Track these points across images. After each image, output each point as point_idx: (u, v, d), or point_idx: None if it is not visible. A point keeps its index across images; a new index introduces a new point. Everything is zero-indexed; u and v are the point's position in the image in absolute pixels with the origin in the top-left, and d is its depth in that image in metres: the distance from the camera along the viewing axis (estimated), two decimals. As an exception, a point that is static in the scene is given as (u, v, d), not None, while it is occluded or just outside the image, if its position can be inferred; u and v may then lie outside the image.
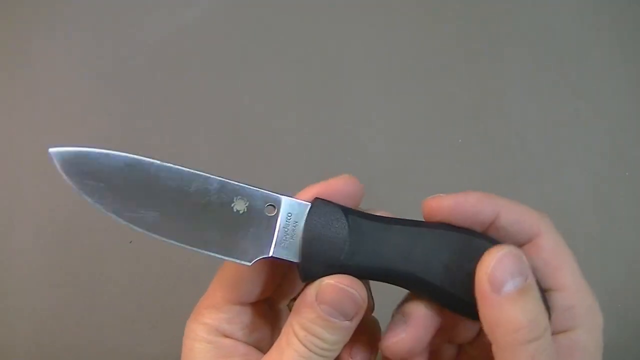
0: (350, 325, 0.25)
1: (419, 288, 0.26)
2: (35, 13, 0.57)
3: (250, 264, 0.26)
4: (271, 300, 0.31)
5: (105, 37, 0.56)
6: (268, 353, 0.26)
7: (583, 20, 0.58)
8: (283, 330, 0.26)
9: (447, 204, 0.26)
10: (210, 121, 0.53)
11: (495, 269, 0.23)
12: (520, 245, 0.26)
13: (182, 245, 0.26)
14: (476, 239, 0.26)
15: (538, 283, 0.25)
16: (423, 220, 0.27)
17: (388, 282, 0.27)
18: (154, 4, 0.57)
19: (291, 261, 0.26)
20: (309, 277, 0.26)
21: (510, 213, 0.26)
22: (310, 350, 0.25)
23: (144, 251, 0.48)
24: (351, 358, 0.29)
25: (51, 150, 0.26)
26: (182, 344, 0.28)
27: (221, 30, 0.57)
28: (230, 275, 0.28)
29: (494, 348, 0.23)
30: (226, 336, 0.28)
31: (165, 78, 0.54)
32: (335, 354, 0.26)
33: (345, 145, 0.52)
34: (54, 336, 0.46)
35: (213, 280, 0.29)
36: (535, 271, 0.25)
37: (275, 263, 0.28)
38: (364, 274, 0.26)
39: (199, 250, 0.26)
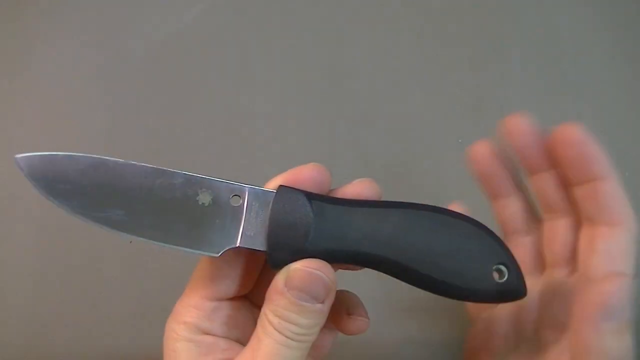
0: (323, 308, 0.26)
1: (387, 269, 0.26)
2: (36, 13, 0.57)
3: (218, 255, 0.26)
4: (252, 296, 0.31)
5: (105, 36, 0.56)
6: (247, 345, 0.26)
7: (583, 20, 0.58)
8: (258, 321, 0.26)
9: (579, 135, 0.26)
10: (210, 121, 0.53)
11: (613, 297, 0.23)
12: (597, 222, 0.26)
13: (149, 241, 0.27)
14: (442, 216, 0.26)
15: None
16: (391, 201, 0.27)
17: (358, 265, 0.27)
18: (154, 4, 0.57)
19: (259, 250, 0.26)
20: (277, 264, 0.26)
21: (611, 187, 0.26)
22: (287, 337, 0.25)
23: (144, 251, 0.48)
24: (349, 315, 0.30)
25: (17, 156, 0.27)
26: (163, 348, 0.29)
27: (221, 30, 0.57)
28: (206, 273, 0.29)
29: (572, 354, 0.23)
30: (206, 333, 0.28)
31: (166, 78, 0.54)
32: (313, 338, 0.26)
33: (345, 145, 0.52)
34: (53, 336, 0.46)
35: (190, 279, 0.29)
36: (590, 254, 0.25)
37: (250, 257, 0.29)
38: (332, 258, 0.26)
39: (166, 245, 0.27)
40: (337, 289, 0.27)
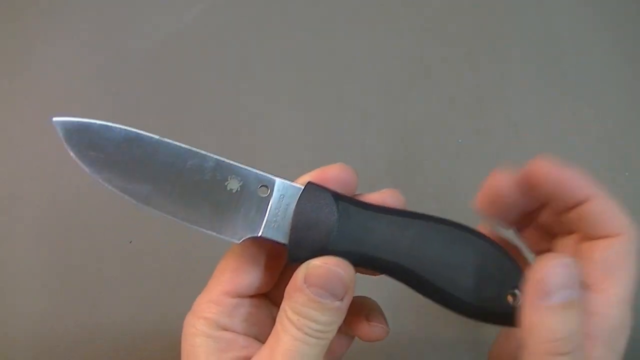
0: (342, 306, 0.26)
1: (404, 278, 0.26)
2: (36, 13, 0.57)
3: (239, 242, 0.27)
4: (272, 294, 0.31)
5: (105, 36, 0.56)
6: (266, 342, 0.26)
7: (583, 20, 0.58)
8: (277, 317, 0.26)
9: (552, 170, 0.26)
10: (210, 120, 0.53)
11: (547, 277, 0.23)
12: (594, 237, 0.26)
13: (172, 218, 0.27)
14: (463, 233, 0.26)
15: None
16: (416, 212, 0.27)
17: (375, 270, 0.27)
18: (154, 4, 0.57)
19: (279, 242, 0.26)
20: (296, 259, 0.26)
21: (600, 204, 0.26)
22: (306, 334, 0.25)
23: (144, 251, 0.48)
24: (368, 321, 0.30)
25: (55, 119, 0.27)
26: (181, 343, 0.29)
27: (221, 30, 0.57)
28: (228, 269, 0.29)
29: (525, 352, 0.23)
30: (226, 329, 0.28)
31: (166, 78, 0.54)
32: (331, 335, 0.26)
33: (344, 145, 0.52)
34: (53, 336, 0.46)
35: (212, 275, 0.29)
36: (590, 265, 0.25)
37: (272, 255, 0.29)
38: (350, 260, 0.26)
39: (189, 225, 0.27)
40: (357, 294, 0.27)
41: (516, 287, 0.26)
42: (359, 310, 0.30)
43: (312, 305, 0.25)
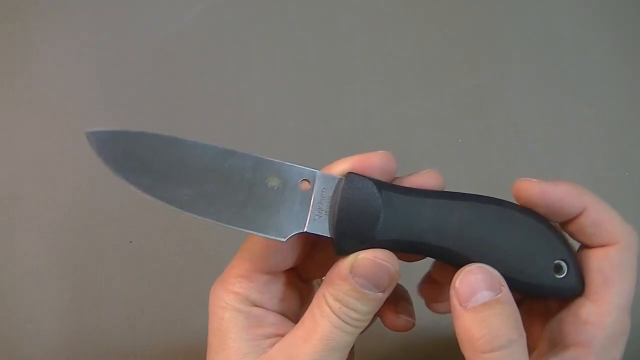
0: (383, 297, 0.26)
1: (450, 260, 0.26)
2: (35, 13, 0.57)
3: (285, 239, 0.26)
4: (300, 270, 0.31)
5: (105, 36, 0.56)
6: (300, 323, 0.26)
7: (583, 20, 0.57)
8: (314, 302, 0.26)
9: (535, 191, 0.26)
10: (210, 120, 0.53)
11: (461, 283, 0.24)
12: (592, 246, 0.26)
13: (216, 222, 0.26)
14: (507, 210, 0.26)
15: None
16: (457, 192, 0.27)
17: (422, 255, 0.27)
18: (154, 4, 0.57)
19: (325, 236, 0.26)
20: (343, 251, 0.26)
21: (595, 214, 0.26)
22: (344, 321, 0.25)
23: (144, 251, 0.48)
24: (397, 312, 0.30)
25: (88, 131, 0.26)
26: (207, 316, 0.28)
27: (221, 29, 0.57)
28: (259, 246, 0.28)
29: (465, 356, 0.24)
30: (256, 305, 0.28)
31: (165, 78, 0.54)
32: (366, 324, 0.26)
33: (345, 145, 0.52)
34: (53, 336, 0.46)
35: (240, 250, 0.29)
36: (587, 273, 0.26)
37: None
38: (398, 248, 0.26)
39: (233, 227, 0.26)
40: None
41: (562, 259, 0.26)
42: (390, 298, 0.30)
43: (355, 294, 0.25)
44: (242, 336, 0.27)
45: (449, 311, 0.30)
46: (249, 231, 0.26)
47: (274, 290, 0.29)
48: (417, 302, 0.32)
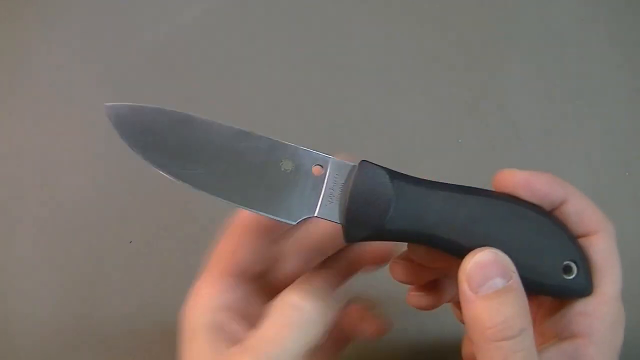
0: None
1: (459, 254, 0.26)
2: (35, 14, 0.57)
3: (295, 223, 0.26)
4: (268, 274, 0.31)
5: (105, 37, 0.56)
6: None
7: (583, 20, 0.57)
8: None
9: (519, 179, 0.26)
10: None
11: (473, 270, 0.24)
12: (576, 236, 0.26)
13: (227, 202, 0.26)
14: (518, 207, 0.26)
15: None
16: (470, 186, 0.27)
17: (429, 246, 0.27)
18: (154, 4, 0.57)
19: (334, 222, 0.26)
20: (352, 239, 0.26)
21: (577, 203, 0.26)
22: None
23: (144, 251, 0.48)
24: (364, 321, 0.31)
25: (106, 105, 0.26)
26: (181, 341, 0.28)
27: (221, 30, 0.57)
28: (227, 249, 0.29)
29: (474, 346, 0.24)
30: (226, 310, 0.28)
31: (165, 78, 0.54)
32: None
33: (345, 145, 0.52)
34: (53, 336, 0.46)
35: (212, 256, 0.30)
36: None
37: (271, 235, 0.29)
38: (406, 238, 0.26)
39: (245, 207, 0.26)
40: (352, 293, 0.27)
41: (572, 259, 0.26)
42: (355, 310, 0.30)
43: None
44: (208, 338, 0.27)
45: (426, 305, 0.30)
46: (259, 212, 0.26)
47: (243, 293, 0.29)
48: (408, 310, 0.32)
